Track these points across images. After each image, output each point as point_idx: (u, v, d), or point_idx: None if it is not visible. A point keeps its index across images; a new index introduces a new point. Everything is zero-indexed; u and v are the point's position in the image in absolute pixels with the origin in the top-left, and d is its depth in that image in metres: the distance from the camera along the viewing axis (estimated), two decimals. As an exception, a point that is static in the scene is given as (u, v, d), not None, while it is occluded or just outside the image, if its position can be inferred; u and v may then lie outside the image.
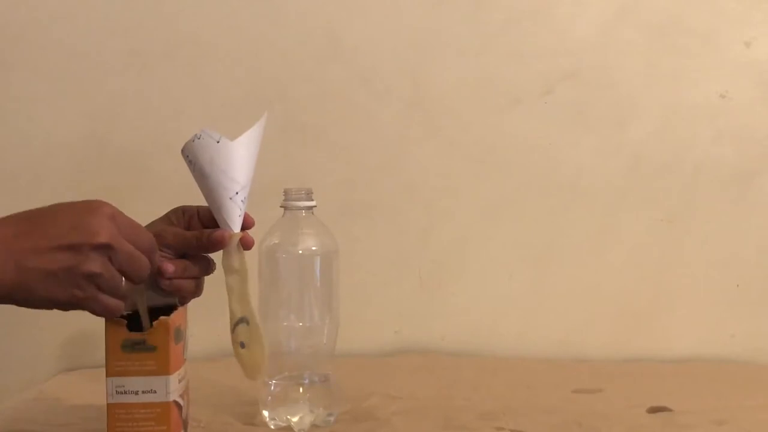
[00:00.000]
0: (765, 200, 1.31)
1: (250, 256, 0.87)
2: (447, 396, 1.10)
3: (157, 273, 0.81)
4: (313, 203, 0.98)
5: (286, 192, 0.98)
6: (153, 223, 0.87)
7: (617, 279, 1.31)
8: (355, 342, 1.23)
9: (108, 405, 0.81)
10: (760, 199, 1.31)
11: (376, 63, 1.29)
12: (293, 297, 0.98)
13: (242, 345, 0.86)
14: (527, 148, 1.30)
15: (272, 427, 0.97)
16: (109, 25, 1.28)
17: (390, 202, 1.31)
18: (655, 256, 1.31)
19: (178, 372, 0.83)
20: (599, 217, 1.31)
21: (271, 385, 0.98)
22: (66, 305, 0.73)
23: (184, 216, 0.88)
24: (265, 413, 0.98)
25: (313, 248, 0.98)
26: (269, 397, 0.98)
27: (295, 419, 0.96)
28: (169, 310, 0.83)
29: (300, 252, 0.98)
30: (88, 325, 0.80)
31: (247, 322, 0.86)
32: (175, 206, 0.89)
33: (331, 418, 0.98)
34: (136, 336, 0.80)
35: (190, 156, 0.83)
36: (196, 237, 0.85)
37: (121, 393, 0.81)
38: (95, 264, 0.72)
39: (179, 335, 0.84)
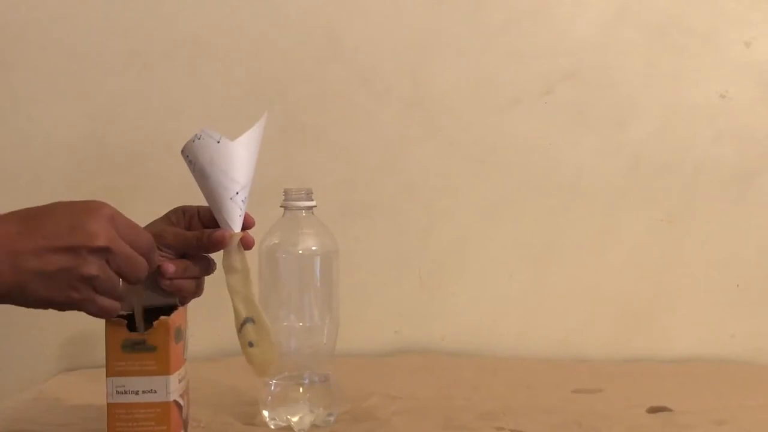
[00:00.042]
0: (765, 200, 1.31)
1: (250, 256, 0.87)
2: (447, 396, 1.10)
3: (158, 273, 0.81)
4: (313, 203, 0.98)
5: (286, 192, 0.98)
6: (153, 223, 0.87)
7: (617, 279, 1.31)
8: (355, 342, 1.23)
9: (108, 405, 0.81)
10: (760, 199, 1.31)
11: (376, 63, 1.29)
12: (293, 297, 0.98)
13: (251, 344, 0.86)
14: (527, 148, 1.30)
15: (272, 427, 0.97)
16: (109, 25, 1.28)
17: (390, 202, 1.31)
18: (655, 256, 1.31)
19: (178, 372, 0.83)
20: (599, 217, 1.31)
21: (271, 385, 0.98)
22: (62, 306, 0.73)
23: (184, 216, 0.88)
24: (265, 413, 0.98)
25: (313, 248, 0.98)
26: (269, 397, 0.98)
27: (295, 419, 0.96)
28: (169, 310, 0.83)
29: (300, 252, 0.98)
30: (88, 325, 0.80)
31: (254, 321, 0.86)
32: (175, 206, 0.89)
33: (331, 418, 0.98)
34: (136, 336, 0.80)
35: (191, 156, 0.83)
36: (196, 237, 0.85)
37: (121, 393, 0.81)
38: (92, 267, 0.72)
39: (179, 335, 0.84)
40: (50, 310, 0.74)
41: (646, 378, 1.20)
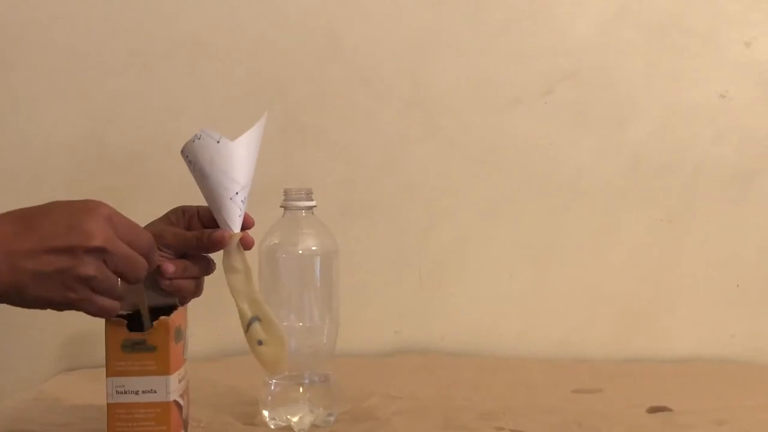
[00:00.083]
0: (765, 200, 1.31)
1: (250, 256, 0.87)
2: (447, 396, 1.10)
3: (157, 273, 0.82)
4: (313, 203, 0.98)
5: (286, 192, 0.98)
6: (153, 223, 0.87)
7: (617, 279, 1.31)
8: (355, 342, 1.23)
9: (108, 405, 0.81)
10: (760, 199, 1.31)
11: (376, 63, 1.29)
12: (293, 297, 0.98)
13: (260, 343, 0.86)
14: (527, 148, 1.30)
15: (272, 427, 0.97)
16: (109, 25, 1.28)
17: (390, 202, 1.31)
18: (655, 256, 1.31)
19: (178, 372, 0.83)
20: (599, 217, 1.31)
21: (271, 385, 0.98)
22: (60, 306, 0.73)
23: (184, 216, 0.88)
24: (265, 413, 0.98)
25: (313, 248, 0.98)
26: (269, 397, 0.98)
27: (295, 419, 0.96)
28: (169, 310, 0.83)
29: (300, 252, 0.98)
30: (88, 325, 0.80)
31: (260, 320, 0.86)
32: (175, 206, 0.89)
33: (331, 418, 0.98)
34: (136, 336, 0.80)
35: (190, 156, 0.83)
36: (196, 237, 0.85)
37: (121, 393, 0.81)
38: (89, 267, 0.72)
39: (179, 335, 0.84)
40: (50, 310, 0.74)
41: (646, 378, 1.20)
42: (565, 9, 1.30)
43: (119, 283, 0.75)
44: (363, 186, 1.30)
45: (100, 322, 0.79)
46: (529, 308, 1.32)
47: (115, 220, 0.74)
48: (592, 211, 1.31)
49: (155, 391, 0.81)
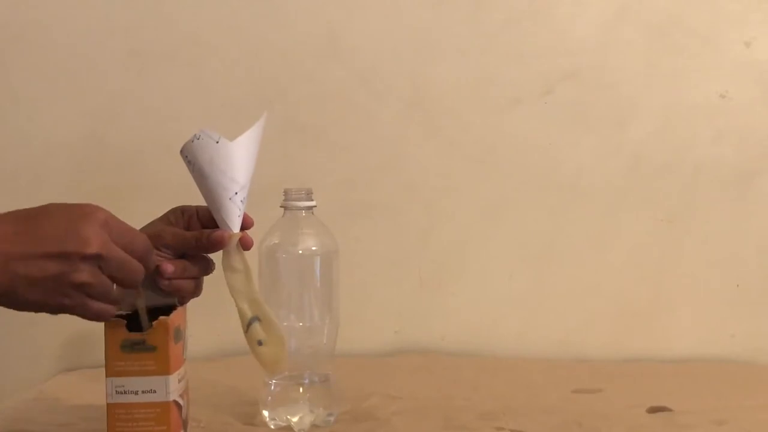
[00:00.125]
0: (765, 200, 1.31)
1: (250, 256, 0.87)
2: (447, 396, 1.10)
3: (157, 273, 0.81)
4: (313, 203, 0.98)
5: (286, 192, 0.98)
6: (152, 223, 0.87)
7: (617, 279, 1.31)
8: (355, 342, 1.23)
9: (108, 405, 0.81)
10: (760, 199, 1.31)
11: (376, 63, 1.29)
12: (293, 297, 0.98)
13: (260, 343, 0.86)
14: (527, 148, 1.30)
15: (272, 427, 0.97)
16: (109, 25, 1.28)
17: (390, 202, 1.31)
18: (655, 256, 1.31)
19: (177, 372, 0.83)
20: (599, 217, 1.31)
21: (271, 385, 0.98)
22: (54, 310, 0.73)
23: (183, 216, 0.88)
24: (265, 413, 0.98)
25: (313, 248, 0.98)
26: (269, 397, 0.98)
27: (295, 419, 0.96)
28: (168, 310, 0.83)
29: (300, 252, 0.98)
30: (88, 325, 0.80)
31: (260, 320, 0.86)
32: (175, 206, 0.89)
33: (331, 418, 0.98)
34: (135, 336, 0.80)
35: (190, 156, 0.83)
36: (195, 237, 0.85)
37: (121, 393, 0.81)
38: (84, 274, 0.71)
39: (179, 335, 0.84)
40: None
41: (646, 378, 1.20)
42: (565, 9, 1.30)
43: (115, 287, 0.75)
44: (363, 186, 1.30)
45: (99, 323, 0.79)
46: (529, 308, 1.32)
47: (111, 225, 0.74)
48: (592, 211, 1.31)
49: (155, 391, 0.81)
